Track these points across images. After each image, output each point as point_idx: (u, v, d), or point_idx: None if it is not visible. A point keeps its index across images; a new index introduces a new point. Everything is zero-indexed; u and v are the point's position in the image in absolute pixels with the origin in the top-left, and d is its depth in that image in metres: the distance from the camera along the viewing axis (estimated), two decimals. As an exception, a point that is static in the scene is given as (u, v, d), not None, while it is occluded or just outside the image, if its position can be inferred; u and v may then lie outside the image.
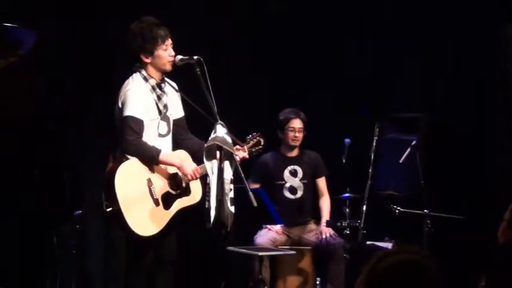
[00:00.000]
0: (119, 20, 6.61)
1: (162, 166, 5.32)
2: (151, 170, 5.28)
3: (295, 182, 6.94)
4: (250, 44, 7.80)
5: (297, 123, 6.87)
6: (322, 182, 7.00)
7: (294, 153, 6.98)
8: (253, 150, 5.71)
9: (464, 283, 6.18)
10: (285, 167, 6.95)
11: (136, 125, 5.19)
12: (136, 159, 5.22)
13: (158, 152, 5.23)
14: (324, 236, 6.72)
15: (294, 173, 6.95)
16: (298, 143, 6.91)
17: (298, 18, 7.93)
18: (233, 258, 6.71)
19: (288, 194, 6.94)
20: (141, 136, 5.22)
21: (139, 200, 5.19)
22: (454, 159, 7.41)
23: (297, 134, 6.87)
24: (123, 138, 5.19)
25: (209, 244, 6.95)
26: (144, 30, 5.26)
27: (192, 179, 5.34)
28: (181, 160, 5.33)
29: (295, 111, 6.92)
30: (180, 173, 5.37)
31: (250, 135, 5.75)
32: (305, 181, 6.95)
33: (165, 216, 5.30)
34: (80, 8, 6.92)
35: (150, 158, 5.23)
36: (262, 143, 5.76)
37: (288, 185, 6.94)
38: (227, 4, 7.65)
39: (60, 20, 6.85)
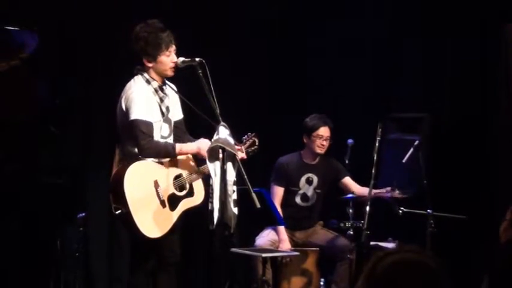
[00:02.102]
0: (121, 20, 6.64)
1: (167, 168, 5.32)
2: (158, 171, 5.29)
3: (310, 190, 6.90)
4: (252, 44, 7.80)
5: (325, 132, 6.78)
6: (348, 180, 6.89)
7: (314, 160, 6.93)
8: (249, 150, 5.73)
9: (467, 283, 6.19)
10: (303, 175, 6.89)
11: (147, 128, 5.20)
12: (143, 161, 5.22)
13: (174, 146, 5.27)
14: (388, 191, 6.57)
15: (310, 181, 6.89)
16: (323, 151, 6.83)
17: (299, 19, 7.94)
18: (237, 259, 6.72)
19: (299, 201, 6.90)
20: (153, 137, 5.23)
21: (147, 202, 5.20)
22: (456, 159, 7.41)
23: (324, 142, 6.78)
24: (136, 144, 5.19)
25: (213, 245, 6.94)
26: (149, 35, 5.23)
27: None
28: (198, 144, 5.33)
29: (323, 118, 6.82)
30: (183, 174, 5.38)
31: (245, 136, 5.76)
32: (319, 190, 6.90)
33: (171, 217, 5.31)
34: (81, 9, 6.93)
35: (168, 154, 5.26)
36: (257, 143, 5.77)
37: (301, 192, 6.89)
38: (227, 4, 7.65)
39: (61, 21, 6.85)
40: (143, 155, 5.21)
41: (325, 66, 7.93)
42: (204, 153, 5.15)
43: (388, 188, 6.56)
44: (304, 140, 6.85)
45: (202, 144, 5.28)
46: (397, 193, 6.54)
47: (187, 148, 5.35)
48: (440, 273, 2.13)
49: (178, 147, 5.29)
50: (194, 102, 5.31)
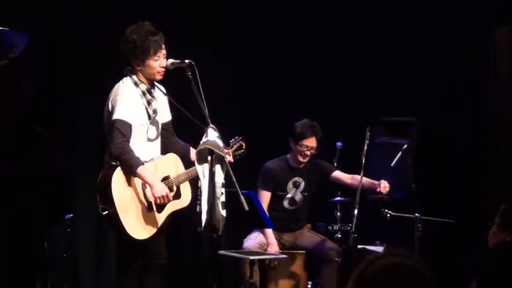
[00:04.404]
0: (111, 21, 6.64)
1: (155, 169, 5.31)
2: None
3: (297, 194, 6.88)
4: (244, 44, 7.80)
5: (312, 142, 6.72)
6: (338, 173, 6.82)
7: (300, 164, 6.87)
8: (237, 154, 5.72)
9: (454, 286, 6.20)
10: (290, 179, 6.87)
11: (124, 128, 5.17)
12: None
13: (139, 164, 5.18)
14: (382, 186, 6.51)
15: (297, 185, 6.88)
16: (305, 160, 6.80)
17: (292, 19, 7.94)
18: (224, 261, 6.71)
19: (287, 205, 6.88)
20: (129, 140, 5.19)
21: (134, 204, 5.19)
22: (445, 163, 7.43)
23: (308, 152, 6.74)
24: (110, 140, 5.18)
25: (200, 247, 6.94)
26: (138, 39, 5.20)
27: (159, 202, 5.30)
28: (156, 183, 5.25)
29: (313, 127, 6.73)
30: (171, 176, 5.37)
31: (233, 139, 5.75)
32: (305, 193, 6.89)
33: (158, 219, 5.30)
34: (70, 10, 6.91)
35: (130, 168, 5.18)
36: (244, 147, 5.76)
37: (289, 196, 6.88)
38: (223, 4, 7.66)
39: (50, 22, 6.83)
40: (113, 153, 5.15)
41: (315, 69, 7.93)
42: (153, 191, 5.20)
43: (384, 181, 6.53)
44: (290, 144, 6.84)
45: (157, 187, 5.22)
46: (385, 186, 6.52)
47: (148, 179, 5.22)
48: (429, 277, 2.14)
49: (142, 171, 5.18)
50: (185, 103, 5.30)
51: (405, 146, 6.72)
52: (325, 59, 7.86)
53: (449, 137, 7.51)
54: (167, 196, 5.26)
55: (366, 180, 6.49)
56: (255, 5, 7.87)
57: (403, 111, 7.44)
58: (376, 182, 6.55)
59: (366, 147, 6.42)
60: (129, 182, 5.20)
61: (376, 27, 7.86)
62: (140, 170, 5.17)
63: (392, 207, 6.61)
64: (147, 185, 5.25)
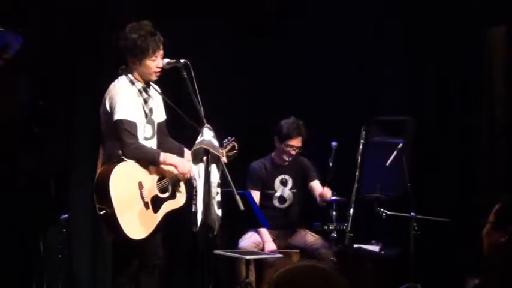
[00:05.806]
0: (108, 19, 6.64)
1: (151, 169, 5.31)
2: (142, 173, 5.27)
3: (285, 191, 6.92)
4: (240, 44, 7.80)
5: (297, 142, 6.79)
6: (314, 184, 6.90)
7: (286, 161, 6.92)
8: (230, 154, 5.72)
9: (450, 285, 6.20)
10: (276, 176, 6.92)
11: (132, 128, 5.18)
12: (128, 162, 5.21)
13: (159, 154, 5.24)
14: (324, 194, 6.58)
15: (284, 183, 6.92)
16: (290, 159, 6.87)
17: (292, 18, 7.94)
18: (220, 261, 6.71)
19: (276, 204, 6.92)
20: (137, 138, 5.21)
21: (131, 203, 5.18)
22: (440, 162, 7.43)
23: (293, 152, 6.81)
24: (121, 143, 5.16)
25: (196, 247, 6.94)
26: (138, 38, 5.18)
27: (186, 180, 5.32)
28: (183, 163, 5.32)
29: (298, 126, 6.79)
30: (167, 176, 5.37)
31: (226, 140, 5.75)
32: (294, 190, 6.92)
33: (154, 219, 5.30)
34: (65, 10, 6.90)
35: (153, 161, 5.23)
36: (236, 147, 5.77)
37: (277, 194, 6.91)
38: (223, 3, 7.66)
39: (45, 22, 6.83)
40: (128, 154, 5.17)
41: (310, 69, 7.93)
42: (183, 170, 5.25)
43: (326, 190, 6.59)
44: (275, 143, 6.88)
45: (186, 166, 5.27)
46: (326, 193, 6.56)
47: (171, 160, 5.31)
48: (336, 276, 2.27)
49: (163, 156, 5.26)
50: (182, 103, 5.29)
51: (400, 145, 6.72)
52: (325, 59, 7.86)
53: (445, 136, 7.51)
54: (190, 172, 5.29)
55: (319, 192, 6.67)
56: (255, 5, 7.87)
57: (400, 110, 7.43)
58: (319, 192, 6.65)
59: (361, 147, 6.43)
60: (127, 182, 5.19)
61: (372, 28, 7.86)
62: (162, 159, 5.25)
63: (388, 206, 6.62)
64: (143, 185, 5.25)
